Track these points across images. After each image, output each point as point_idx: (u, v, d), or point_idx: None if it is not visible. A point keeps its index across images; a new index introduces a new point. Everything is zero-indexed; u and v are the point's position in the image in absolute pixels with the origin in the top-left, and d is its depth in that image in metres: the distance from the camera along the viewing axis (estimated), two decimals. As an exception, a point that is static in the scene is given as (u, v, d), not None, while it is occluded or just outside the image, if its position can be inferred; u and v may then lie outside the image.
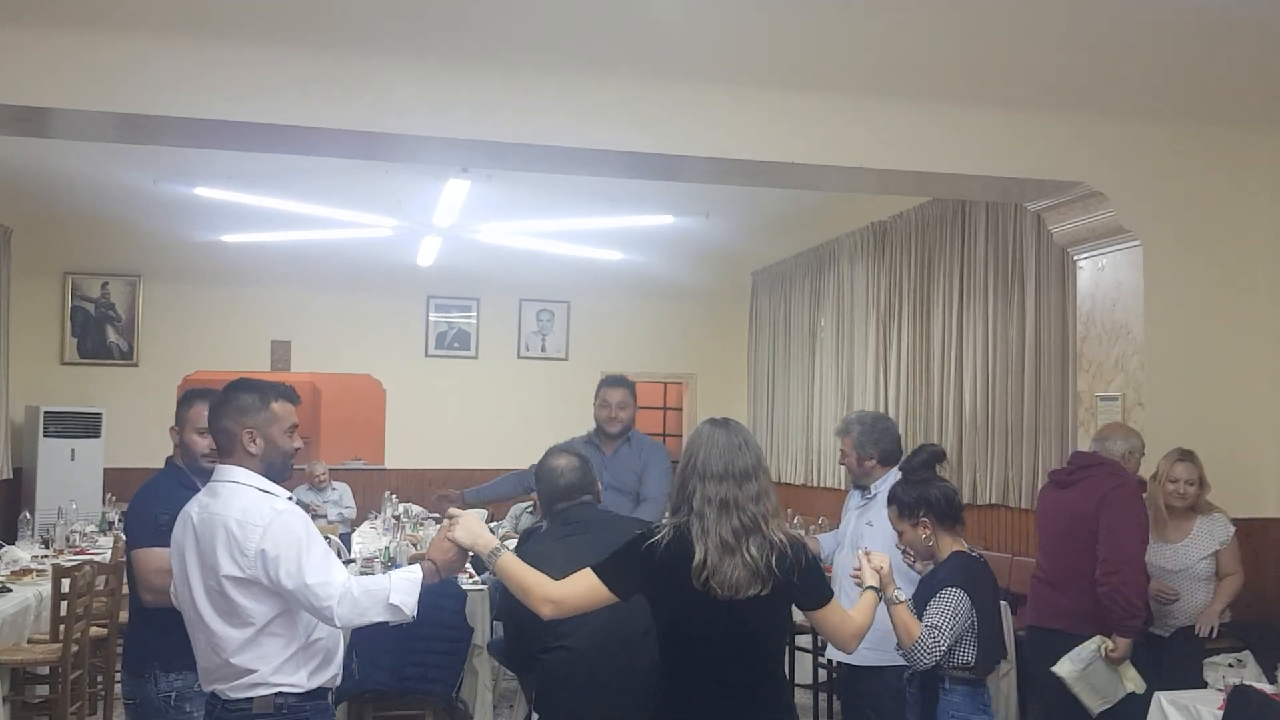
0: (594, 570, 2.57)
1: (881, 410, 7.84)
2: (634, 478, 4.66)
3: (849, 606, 2.77)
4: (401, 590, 2.55)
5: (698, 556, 2.46)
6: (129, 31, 3.89)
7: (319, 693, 2.63)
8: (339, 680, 2.71)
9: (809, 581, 2.57)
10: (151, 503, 3.10)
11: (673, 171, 4.81)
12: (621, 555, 2.59)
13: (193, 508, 2.64)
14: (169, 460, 3.28)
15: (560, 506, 3.18)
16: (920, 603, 3.11)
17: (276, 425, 2.68)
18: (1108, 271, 4.94)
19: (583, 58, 4.25)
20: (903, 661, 3.19)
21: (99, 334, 9.67)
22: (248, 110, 4.01)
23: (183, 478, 3.16)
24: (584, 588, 2.56)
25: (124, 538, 3.56)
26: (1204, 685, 3.98)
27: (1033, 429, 6.30)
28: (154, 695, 3.00)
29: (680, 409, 11.46)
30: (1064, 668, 3.82)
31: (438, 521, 8.35)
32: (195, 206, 8.28)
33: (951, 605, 3.01)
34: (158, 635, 2.99)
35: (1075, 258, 5.17)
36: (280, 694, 2.55)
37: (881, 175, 4.70)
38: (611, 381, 4.79)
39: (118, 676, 5.05)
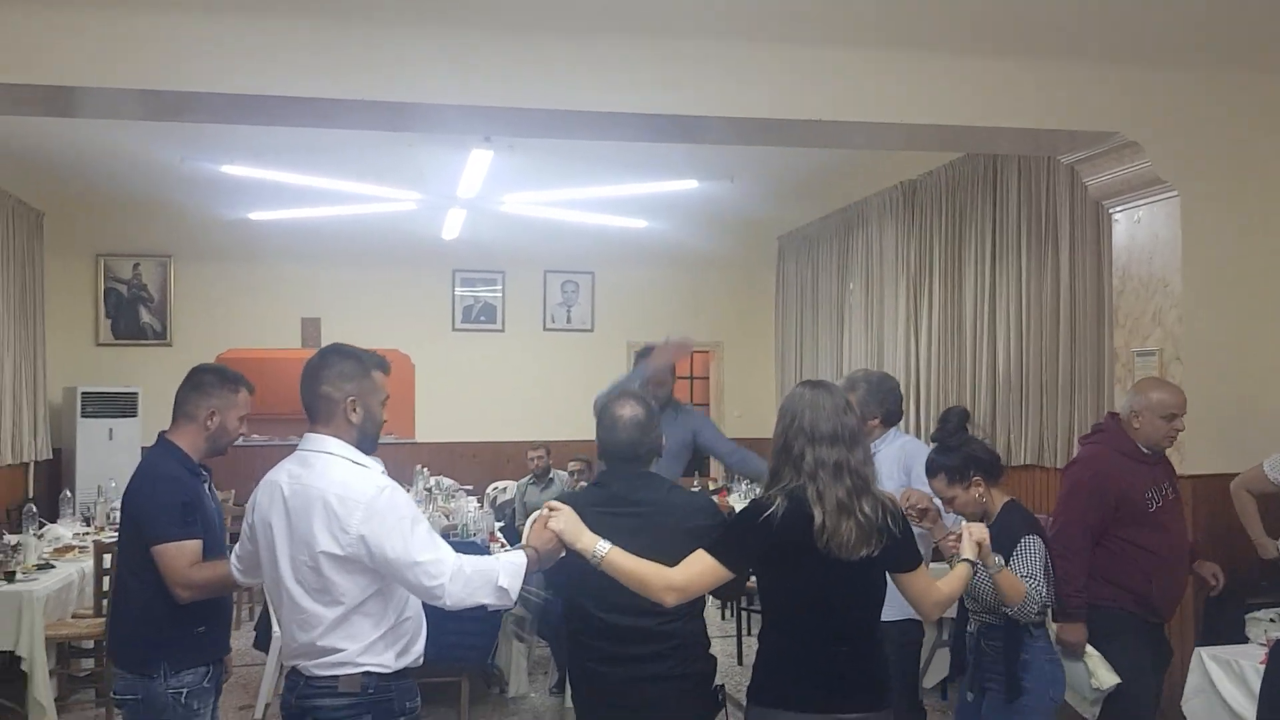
0: (708, 551, 2.53)
1: (914, 373, 7.80)
2: (680, 443, 4.90)
3: None
4: (508, 573, 2.47)
5: (817, 520, 2.44)
6: (151, 7, 3.88)
7: (404, 673, 2.53)
8: (421, 660, 2.61)
9: (908, 540, 2.59)
10: (169, 491, 2.93)
11: (696, 133, 4.75)
12: (737, 532, 2.57)
13: (280, 477, 2.52)
14: (164, 439, 3.07)
15: (616, 467, 2.94)
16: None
17: (375, 395, 2.59)
18: (1144, 224, 4.85)
19: (603, 19, 4.20)
20: (911, 615, 3.22)
21: (132, 315, 9.77)
22: (271, 84, 3.99)
23: (185, 460, 3.01)
24: (702, 569, 2.51)
25: (119, 527, 3.25)
26: (1245, 640, 3.94)
27: (1068, 387, 6.22)
28: (161, 693, 2.87)
29: (707, 378, 11.43)
30: None
31: (469, 494, 8.44)
32: (223, 184, 8.34)
33: (1035, 551, 3.13)
34: (171, 632, 2.89)
35: (1110, 211, 5.08)
36: (368, 674, 2.45)
37: (910, 131, 4.62)
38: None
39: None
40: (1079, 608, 3.59)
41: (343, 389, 2.54)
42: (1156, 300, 4.76)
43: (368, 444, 2.58)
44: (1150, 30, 4.58)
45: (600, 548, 2.52)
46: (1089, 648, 3.55)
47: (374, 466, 2.55)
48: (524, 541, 2.61)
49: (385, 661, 2.48)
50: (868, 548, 2.46)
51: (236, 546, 2.74)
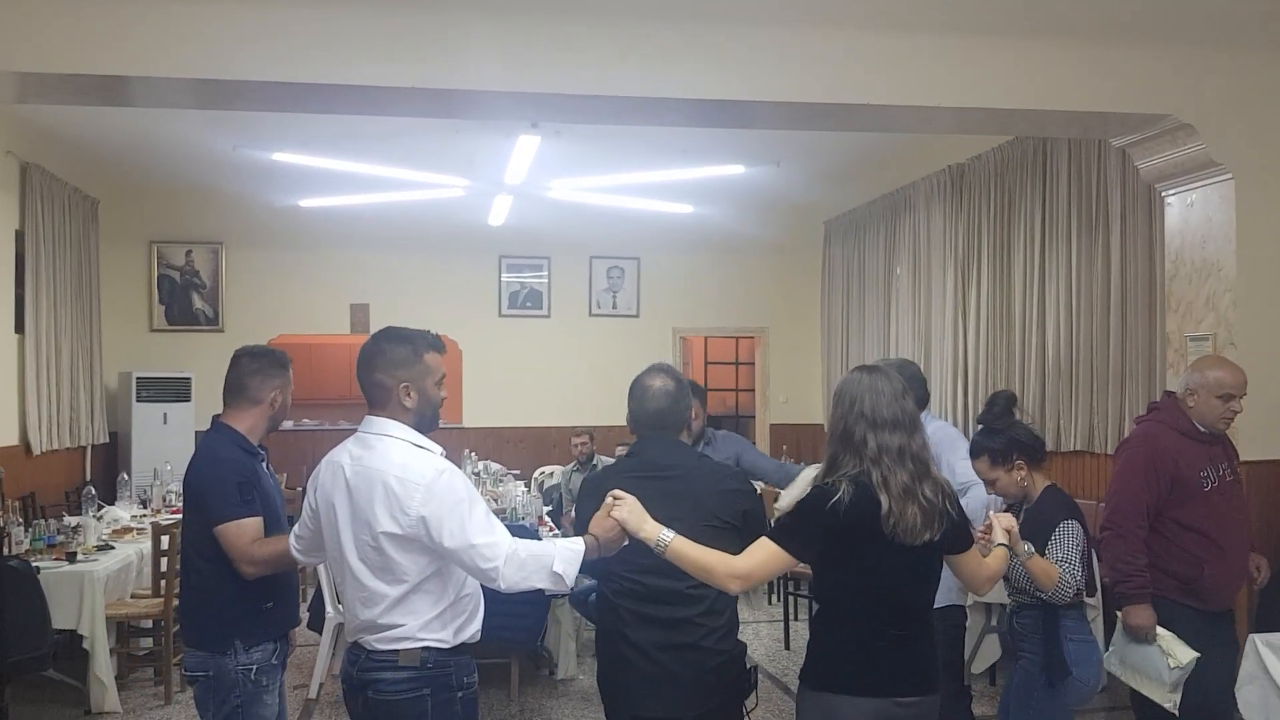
0: (772, 539, 2.53)
1: (962, 358, 7.74)
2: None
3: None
4: (564, 559, 2.49)
5: (884, 506, 2.43)
6: (203, -3, 3.95)
7: (462, 649, 2.58)
8: (479, 636, 2.66)
9: (963, 521, 2.62)
10: (226, 472, 2.98)
11: (743, 118, 4.74)
12: (801, 519, 2.54)
13: (343, 458, 2.58)
14: (218, 422, 3.10)
15: (646, 434, 3.02)
16: (1033, 539, 3.13)
17: (430, 378, 2.61)
18: (1197, 207, 4.77)
19: (650, 4, 4.21)
20: (953, 602, 3.25)
21: (185, 301, 9.95)
22: (320, 72, 4.05)
23: (240, 440, 3.05)
24: (766, 556, 2.50)
25: (183, 511, 3.24)
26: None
27: (1119, 373, 6.14)
28: (232, 669, 2.93)
29: (752, 363, 11.41)
30: (1108, 663, 3.56)
31: (517, 479, 8.50)
32: (273, 172, 8.46)
33: (1073, 536, 3.17)
34: (241, 610, 2.95)
35: (1163, 194, 5.00)
36: (427, 649, 2.51)
37: (959, 114, 4.58)
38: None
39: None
40: (1141, 588, 3.48)
41: (395, 375, 2.57)
42: (1210, 284, 4.68)
43: (426, 424, 2.62)
44: (1203, 10, 4.50)
45: (664, 536, 2.53)
46: (1159, 629, 3.43)
47: (434, 449, 2.58)
48: (589, 529, 2.63)
49: (444, 637, 2.54)
50: (930, 531, 2.47)
51: (296, 526, 2.80)
